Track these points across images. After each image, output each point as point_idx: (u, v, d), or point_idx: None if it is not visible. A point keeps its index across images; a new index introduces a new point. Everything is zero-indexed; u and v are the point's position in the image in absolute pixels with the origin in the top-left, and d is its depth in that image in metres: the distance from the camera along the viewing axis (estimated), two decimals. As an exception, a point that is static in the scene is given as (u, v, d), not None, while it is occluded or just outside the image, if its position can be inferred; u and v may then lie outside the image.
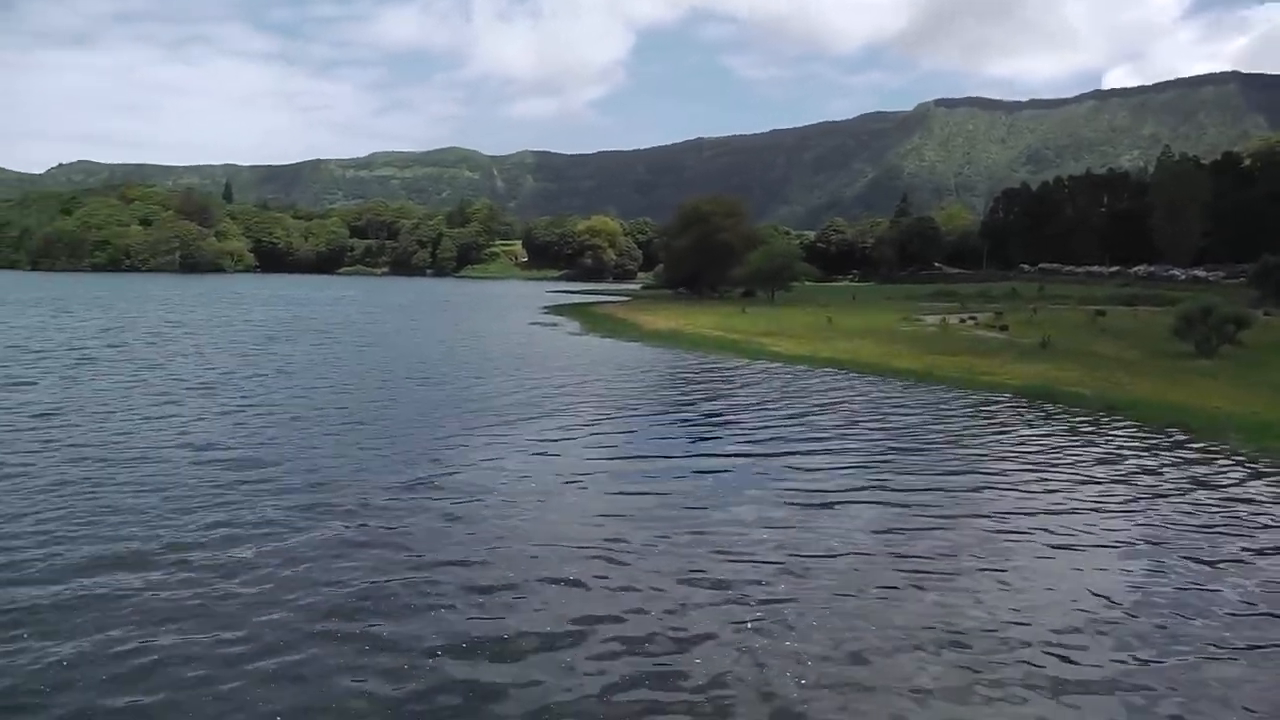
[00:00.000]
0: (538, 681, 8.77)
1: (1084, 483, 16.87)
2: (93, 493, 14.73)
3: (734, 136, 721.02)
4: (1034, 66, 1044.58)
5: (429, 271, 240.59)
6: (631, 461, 18.72)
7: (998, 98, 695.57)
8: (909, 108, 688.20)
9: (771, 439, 20.98)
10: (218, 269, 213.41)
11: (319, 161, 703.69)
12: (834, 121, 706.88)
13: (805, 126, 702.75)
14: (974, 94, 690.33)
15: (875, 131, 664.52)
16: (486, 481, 16.27)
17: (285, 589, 10.83)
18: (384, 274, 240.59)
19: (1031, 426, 22.91)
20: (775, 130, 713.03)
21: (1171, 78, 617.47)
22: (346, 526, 13.33)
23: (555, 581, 11.33)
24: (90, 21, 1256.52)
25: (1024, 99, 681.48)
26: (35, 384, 27.38)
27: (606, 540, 13.02)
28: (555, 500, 15.27)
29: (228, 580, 11.01)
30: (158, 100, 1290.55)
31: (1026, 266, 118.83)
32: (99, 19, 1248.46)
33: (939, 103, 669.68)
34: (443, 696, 8.45)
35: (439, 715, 8.18)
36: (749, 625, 10.07)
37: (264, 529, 13.08)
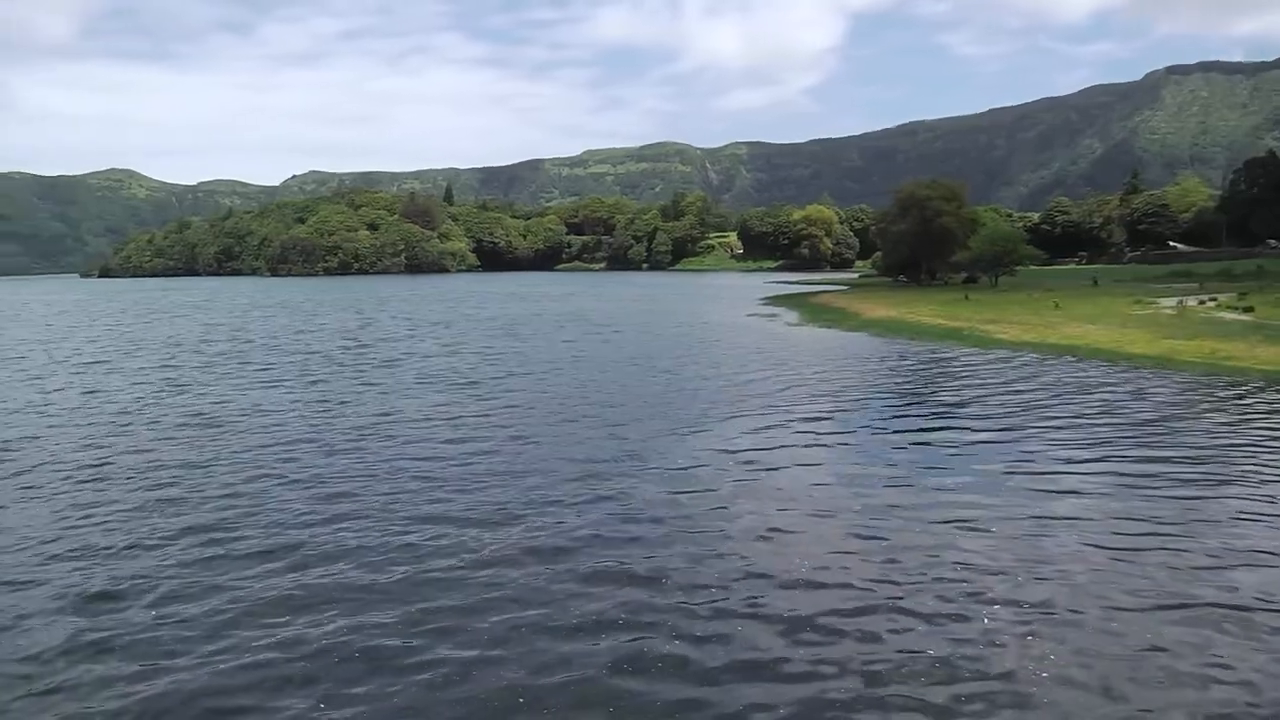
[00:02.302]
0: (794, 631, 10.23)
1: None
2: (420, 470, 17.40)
3: (950, 118, 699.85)
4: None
5: (645, 265, 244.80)
6: (864, 442, 20.03)
7: (1238, 60, 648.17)
8: (1137, 77, 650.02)
9: (1000, 424, 21.55)
10: (441, 269, 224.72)
11: (535, 161, 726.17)
12: (1057, 96, 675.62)
13: (1026, 103, 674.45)
14: (1212, 57, 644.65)
15: (1101, 104, 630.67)
16: (741, 459, 17.88)
17: (571, 545, 12.95)
18: (601, 269, 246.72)
19: (1280, 414, 21.99)
20: (994, 109, 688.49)
21: None
22: (613, 498, 15.30)
23: (816, 549, 12.75)
24: (319, 41, 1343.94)
25: (1270, 59, 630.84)
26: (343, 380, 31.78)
27: (852, 511, 14.36)
28: (805, 475, 16.67)
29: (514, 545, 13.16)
30: (382, 110, 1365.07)
31: (1273, 242, 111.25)
32: (326, 38, 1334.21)
33: (1170, 70, 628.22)
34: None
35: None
36: (992, 592, 11.12)
37: (536, 503, 15.23)
